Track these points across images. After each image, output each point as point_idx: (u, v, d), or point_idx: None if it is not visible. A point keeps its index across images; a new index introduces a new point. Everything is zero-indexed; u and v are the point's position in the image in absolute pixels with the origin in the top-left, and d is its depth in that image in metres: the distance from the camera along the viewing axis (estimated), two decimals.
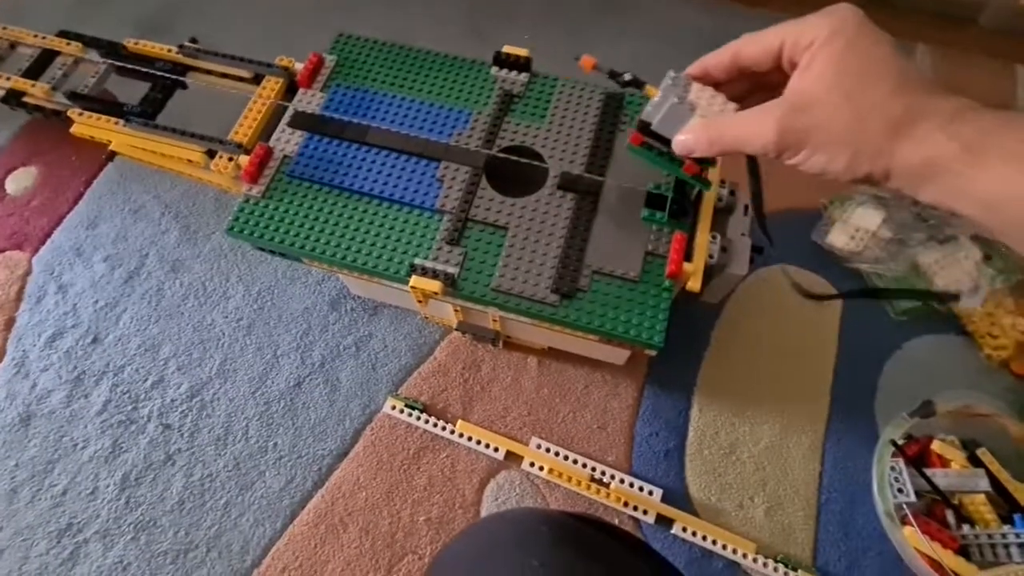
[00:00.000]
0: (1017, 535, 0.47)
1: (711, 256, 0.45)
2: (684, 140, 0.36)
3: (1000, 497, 0.49)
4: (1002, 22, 0.74)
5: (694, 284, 0.44)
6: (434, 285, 0.43)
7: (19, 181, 0.67)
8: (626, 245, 0.45)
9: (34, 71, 0.57)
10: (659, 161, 0.39)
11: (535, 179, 0.47)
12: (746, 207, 0.48)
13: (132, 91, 0.54)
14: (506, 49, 0.52)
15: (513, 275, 0.44)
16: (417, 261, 0.44)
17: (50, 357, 0.59)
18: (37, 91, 0.54)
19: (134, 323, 0.60)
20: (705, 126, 0.35)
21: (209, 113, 0.53)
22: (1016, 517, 0.48)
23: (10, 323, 0.60)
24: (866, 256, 0.60)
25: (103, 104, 0.53)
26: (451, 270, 0.43)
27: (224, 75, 0.55)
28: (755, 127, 0.32)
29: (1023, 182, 0.25)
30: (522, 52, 0.52)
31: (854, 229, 0.60)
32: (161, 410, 0.56)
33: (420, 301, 0.47)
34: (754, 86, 0.36)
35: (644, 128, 0.38)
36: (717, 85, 0.36)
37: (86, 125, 0.51)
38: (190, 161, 0.50)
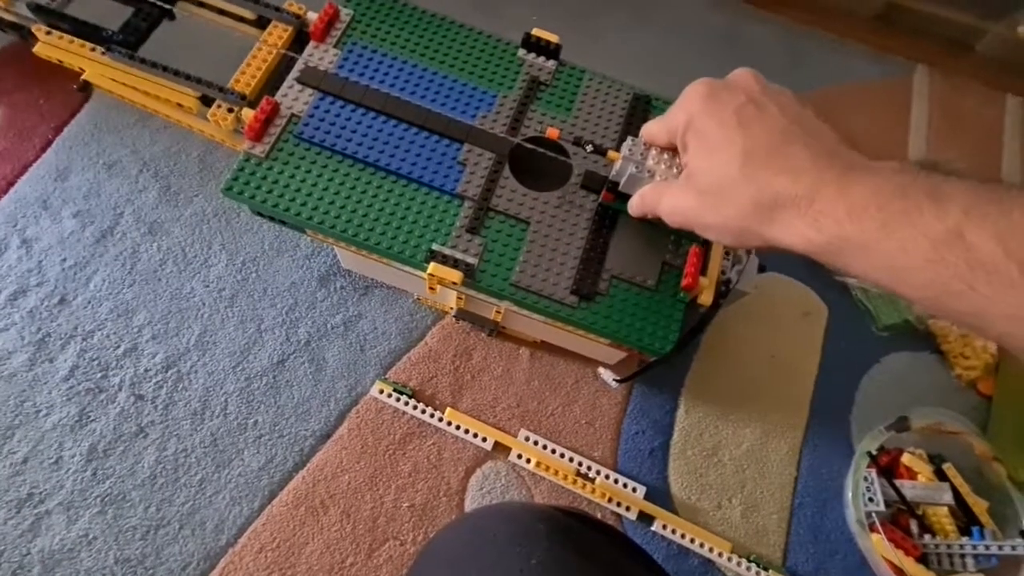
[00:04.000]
0: (974, 546, 0.50)
1: (723, 272, 0.45)
2: (631, 203, 0.40)
3: (961, 510, 0.52)
4: (999, 51, 0.76)
5: (706, 298, 0.44)
6: (454, 275, 0.41)
7: None
8: (645, 253, 0.44)
9: None
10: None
11: (556, 174, 0.46)
12: None
13: (105, 14, 0.47)
14: (536, 32, 0.50)
15: (533, 272, 0.43)
16: (436, 247, 0.42)
17: (11, 316, 0.55)
18: None
19: (106, 286, 0.57)
20: (642, 195, 0.39)
21: (189, 53, 0.48)
22: (974, 529, 0.51)
23: None
24: None
25: (76, 24, 0.46)
26: (471, 260, 0.42)
27: (221, 11, 0.50)
28: (667, 198, 0.35)
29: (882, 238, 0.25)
30: (552, 38, 0.49)
31: None
32: (133, 380, 0.54)
33: (432, 288, 0.46)
34: None
35: (613, 188, 0.43)
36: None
37: (54, 47, 0.45)
38: (180, 105, 0.46)
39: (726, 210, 0.30)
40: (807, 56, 0.75)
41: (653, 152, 0.39)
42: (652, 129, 0.38)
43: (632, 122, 0.47)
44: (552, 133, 0.45)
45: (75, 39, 0.45)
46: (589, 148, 0.43)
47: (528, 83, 0.48)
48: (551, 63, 0.49)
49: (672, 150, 0.38)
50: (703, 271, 0.44)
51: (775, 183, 0.28)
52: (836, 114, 0.73)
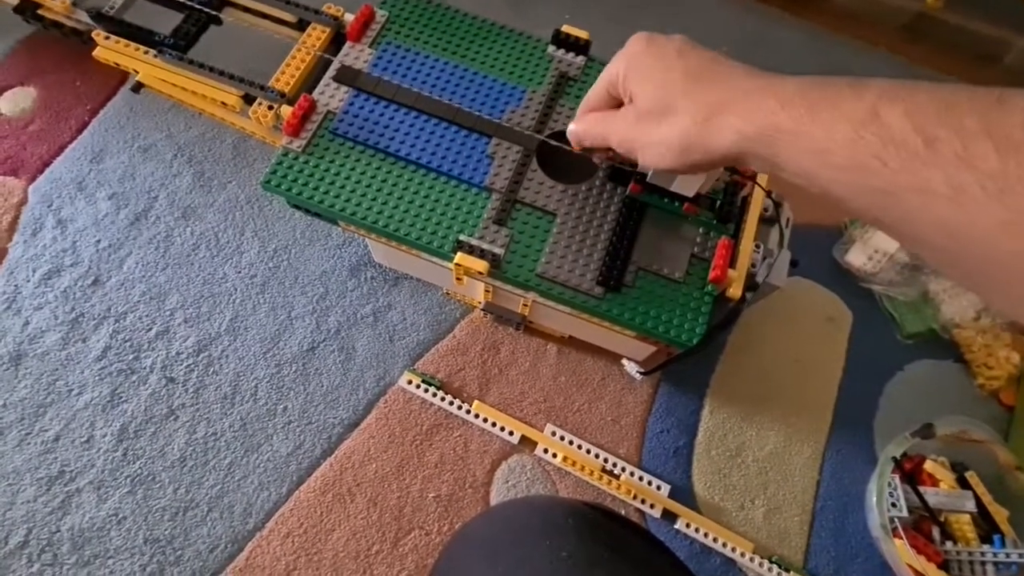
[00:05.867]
0: (995, 554, 0.51)
1: (753, 265, 0.45)
2: (569, 130, 0.40)
3: (983, 518, 0.52)
4: None
5: (735, 291, 0.44)
6: (480, 264, 0.42)
7: (15, 101, 0.62)
8: (673, 245, 0.45)
9: None
10: (662, 203, 0.45)
11: (583, 167, 0.46)
12: (788, 220, 0.49)
13: (156, 20, 0.50)
14: (565, 29, 0.51)
15: (559, 263, 0.43)
16: (463, 238, 0.43)
17: (45, 295, 0.55)
18: (56, 5, 0.50)
19: (139, 268, 0.57)
20: (584, 120, 0.39)
21: (233, 56, 0.49)
22: (996, 538, 0.51)
23: (1, 254, 0.56)
24: (881, 278, 0.62)
25: (132, 30, 0.49)
26: (497, 251, 0.42)
27: (264, 15, 0.52)
28: (612, 127, 0.36)
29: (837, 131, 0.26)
30: (582, 34, 0.50)
31: (872, 250, 0.62)
32: (165, 362, 0.54)
33: (459, 279, 0.46)
34: None
35: (641, 179, 0.44)
36: None
37: (112, 51, 0.48)
38: (224, 104, 0.47)
39: (668, 126, 0.32)
40: (836, 63, 0.76)
41: None
42: (591, 95, 0.38)
43: None
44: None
45: (131, 43, 0.48)
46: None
47: (557, 78, 0.49)
48: (580, 59, 0.50)
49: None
50: (732, 264, 0.44)
51: (712, 92, 0.31)
52: None
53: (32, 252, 0.57)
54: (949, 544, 0.51)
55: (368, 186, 0.44)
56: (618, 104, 0.37)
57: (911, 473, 0.54)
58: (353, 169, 0.45)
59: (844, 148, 0.26)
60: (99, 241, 0.58)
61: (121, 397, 0.53)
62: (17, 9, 0.51)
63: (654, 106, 0.33)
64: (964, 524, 0.52)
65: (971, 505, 0.52)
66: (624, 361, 0.57)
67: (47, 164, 0.60)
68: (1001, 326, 0.60)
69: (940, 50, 0.78)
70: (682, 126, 0.32)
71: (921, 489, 0.53)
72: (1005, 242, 0.21)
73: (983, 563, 0.51)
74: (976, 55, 0.78)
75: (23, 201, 0.58)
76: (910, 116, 0.24)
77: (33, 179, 0.59)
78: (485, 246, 0.42)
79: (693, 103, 0.31)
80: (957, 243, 0.23)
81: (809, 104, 0.27)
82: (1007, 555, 0.50)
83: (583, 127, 0.39)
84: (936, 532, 0.52)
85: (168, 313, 0.56)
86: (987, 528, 0.52)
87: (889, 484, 0.52)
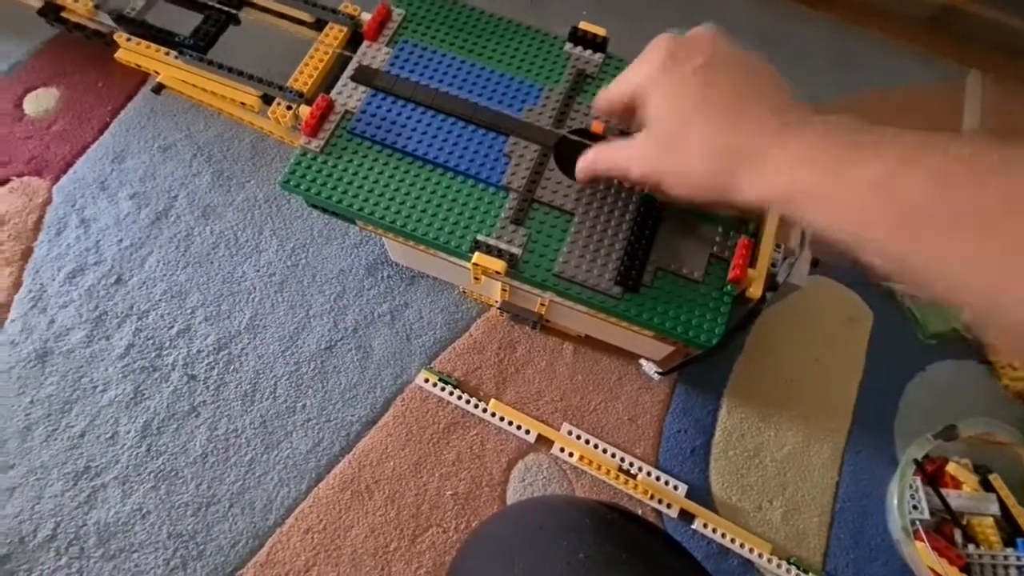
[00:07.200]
0: (1018, 558, 0.50)
1: (774, 265, 0.45)
2: (579, 166, 0.39)
3: (1006, 521, 0.52)
4: None
5: (755, 291, 0.43)
6: (498, 264, 0.42)
7: (39, 102, 0.63)
8: (691, 245, 0.44)
9: None
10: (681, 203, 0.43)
11: None
12: None
13: (175, 21, 0.50)
14: (583, 26, 0.50)
15: (577, 263, 0.43)
16: (480, 237, 0.42)
17: (70, 293, 0.56)
18: (79, 7, 0.50)
19: (160, 267, 0.58)
20: (595, 151, 0.37)
21: (254, 55, 0.50)
22: (1019, 541, 0.51)
23: (27, 253, 0.57)
24: None
25: (153, 31, 0.49)
26: (515, 250, 0.42)
27: (282, 15, 0.52)
28: (626, 153, 0.35)
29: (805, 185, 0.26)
30: (599, 31, 0.50)
31: None
32: (186, 360, 0.55)
33: (477, 278, 0.46)
34: None
35: None
36: None
37: (134, 52, 0.48)
38: (243, 104, 0.48)
39: (686, 161, 0.31)
40: (856, 57, 0.74)
41: None
42: (609, 94, 0.37)
43: None
44: (596, 127, 0.45)
45: (151, 44, 0.48)
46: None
47: (574, 76, 0.49)
48: (598, 56, 0.49)
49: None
50: (752, 263, 0.43)
51: (729, 134, 0.30)
52: (884, 117, 0.72)
53: (57, 251, 0.58)
54: (971, 547, 0.51)
55: (386, 186, 0.45)
56: (631, 112, 0.37)
57: (933, 475, 0.53)
58: (371, 169, 0.45)
59: (866, 212, 0.25)
60: (121, 240, 0.58)
61: (144, 394, 0.53)
62: (41, 12, 0.51)
63: (672, 137, 0.32)
64: (987, 527, 0.51)
65: (994, 508, 0.51)
66: (642, 361, 0.57)
67: (70, 164, 0.61)
68: None
69: (966, 44, 0.76)
70: (701, 167, 0.31)
71: (943, 491, 0.52)
72: None
73: (1006, 567, 0.50)
74: (1003, 47, 0.76)
75: (48, 201, 0.59)
76: (931, 177, 0.23)
77: (57, 179, 0.60)
78: (503, 246, 0.42)
79: (709, 150, 0.30)
80: (989, 306, 0.23)
81: (832, 161, 0.26)
82: None
83: (595, 159, 0.38)
84: (958, 535, 0.51)
85: (189, 311, 0.56)
86: (1011, 531, 0.52)
87: (911, 486, 0.52)
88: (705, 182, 0.31)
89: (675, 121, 0.32)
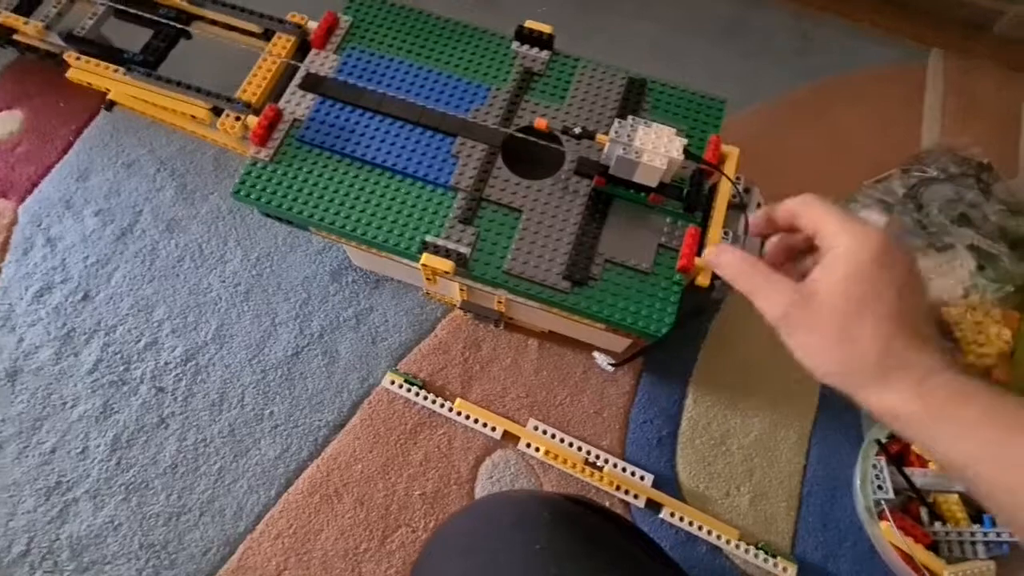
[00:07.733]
0: (984, 534, 0.50)
1: None
2: (719, 261, 0.36)
3: (972, 498, 0.52)
4: (1017, 32, 0.74)
5: (704, 279, 0.44)
6: (446, 264, 0.42)
7: (4, 125, 0.64)
8: (640, 236, 0.45)
9: (26, 7, 0.53)
10: (628, 194, 0.45)
11: (550, 162, 0.46)
12: (759, 204, 0.48)
13: (130, 37, 0.51)
14: (528, 24, 0.50)
15: (525, 259, 0.44)
16: (429, 238, 0.43)
17: (38, 312, 0.57)
18: (29, 29, 0.51)
19: (127, 282, 0.58)
20: (743, 262, 0.35)
21: (209, 67, 0.50)
22: (985, 517, 0.51)
23: None
24: None
25: (102, 49, 0.50)
26: (463, 250, 0.43)
27: (231, 28, 0.52)
28: (772, 296, 0.33)
29: (973, 450, 0.27)
30: (545, 28, 0.50)
31: None
32: (154, 372, 0.55)
33: (428, 279, 0.47)
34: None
35: (604, 172, 0.43)
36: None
37: (84, 71, 0.49)
38: (194, 117, 0.48)
39: (833, 350, 0.30)
40: (817, 43, 0.74)
41: (640, 132, 0.40)
42: (789, 205, 0.34)
43: (626, 106, 0.48)
44: (540, 123, 0.45)
45: (101, 63, 0.49)
46: (577, 131, 0.43)
47: (521, 74, 0.49)
48: (544, 53, 0.50)
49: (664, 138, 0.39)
50: (700, 252, 0.44)
51: (898, 359, 0.29)
52: (847, 102, 0.72)
53: (24, 271, 0.58)
54: (938, 525, 0.51)
55: (336, 191, 0.45)
56: (772, 229, 0.36)
57: (898, 455, 0.53)
58: (320, 175, 0.45)
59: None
60: (87, 257, 0.59)
61: (113, 408, 0.54)
62: None
63: (830, 322, 0.30)
64: (953, 504, 0.51)
65: (959, 485, 0.51)
66: (595, 353, 0.57)
67: (35, 184, 0.62)
68: (991, 302, 0.59)
69: (927, 22, 0.76)
70: (845, 362, 0.30)
71: (908, 470, 0.52)
72: None
73: (973, 543, 0.50)
74: (965, 24, 0.76)
75: (14, 221, 0.60)
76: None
77: (22, 199, 0.61)
78: (451, 245, 0.43)
79: (873, 362, 0.29)
80: None
81: (999, 442, 0.26)
82: (997, 534, 0.50)
83: (731, 269, 0.35)
84: (924, 513, 0.51)
85: (156, 324, 0.57)
86: (977, 507, 0.52)
87: (874, 467, 0.52)
88: (836, 369, 0.30)
89: (847, 306, 0.30)
